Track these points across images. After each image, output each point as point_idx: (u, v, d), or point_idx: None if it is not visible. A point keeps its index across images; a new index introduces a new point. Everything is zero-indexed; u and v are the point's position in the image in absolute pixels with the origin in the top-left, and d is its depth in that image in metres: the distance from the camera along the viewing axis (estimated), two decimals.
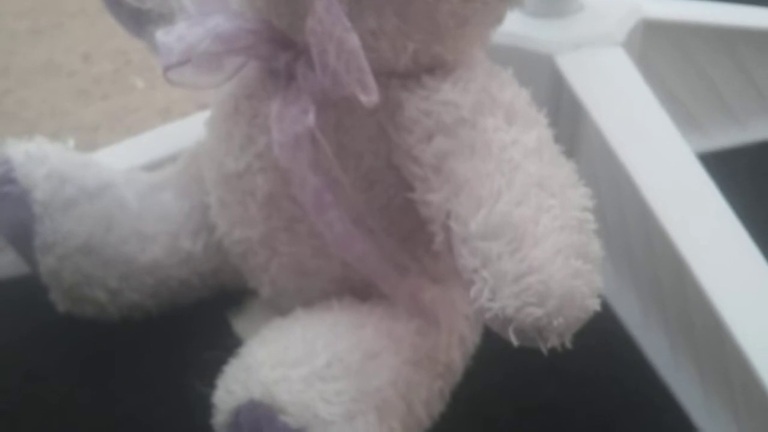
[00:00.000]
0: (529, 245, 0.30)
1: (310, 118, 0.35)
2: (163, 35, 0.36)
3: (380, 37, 0.35)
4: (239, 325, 0.46)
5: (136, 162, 0.50)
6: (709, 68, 0.57)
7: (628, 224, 0.47)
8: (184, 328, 0.47)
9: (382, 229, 0.37)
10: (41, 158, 0.44)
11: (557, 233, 0.31)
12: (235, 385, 0.36)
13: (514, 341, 0.30)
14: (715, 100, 0.59)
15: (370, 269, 0.38)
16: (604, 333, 0.45)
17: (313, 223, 0.37)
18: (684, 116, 0.58)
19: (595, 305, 0.31)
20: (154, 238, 0.45)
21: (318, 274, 0.41)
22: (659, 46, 0.55)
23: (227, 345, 0.40)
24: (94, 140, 0.65)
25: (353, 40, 0.33)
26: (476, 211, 0.32)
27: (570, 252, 0.30)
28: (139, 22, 0.45)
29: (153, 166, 0.49)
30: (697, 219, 0.43)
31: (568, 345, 0.30)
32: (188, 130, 0.50)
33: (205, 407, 0.37)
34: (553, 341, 0.30)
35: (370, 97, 0.33)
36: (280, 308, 0.43)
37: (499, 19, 0.38)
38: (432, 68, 0.37)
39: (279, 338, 0.38)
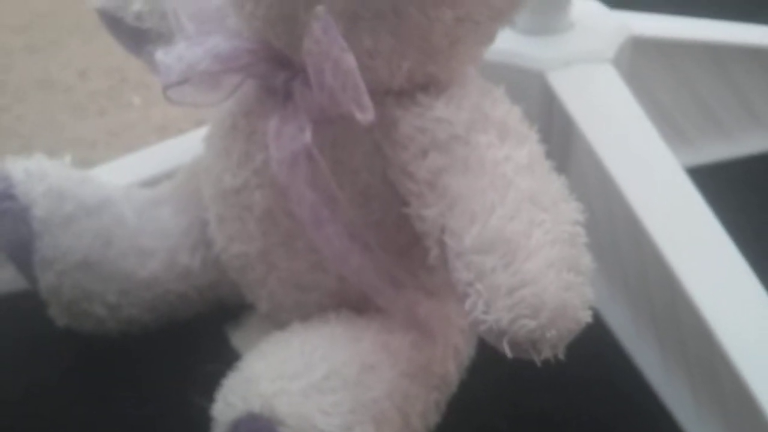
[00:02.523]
0: (522, 259, 0.31)
1: (307, 136, 0.36)
2: (162, 55, 0.37)
3: (376, 56, 0.36)
4: (237, 339, 0.47)
5: (134, 178, 0.50)
6: (698, 83, 0.58)
7: (618, 237, 0.48)
8: (183, 342, 0.47)
9: (378, 243, 0.38)
10: (40, 175, 0.44)
11: (549, 247, 0.32)
12: (234, 397, 0.36)
13: (508, 353, 0.31)
14: (704, 114, 0.60)
15: (367, 284, 0.38)
16: (597, 342, 0.45)
17: (310, 238, 0.38)
18: (673, 130, 0.59)
19: (586, 317, 0.32)
20: (153, 253, 0.46)
21: (315, 289, 0.41)
22: (648, 62, 0.56)
23: (226, 359, 0.40)
24: (91, 156, 0.65)
25: (349, 60, 0.33)
26: (470, 226, 0.33)
27: (562, 265, 0.31)
28: (138, 41, 0.46)
29: (151, 183, 0.50)
30: (686, 231, 0.44)
31: (561, 357, 0.31)
32: (185, 147, 0.51)
33: (205, 421, 0.38)
34: (547, 353, 0.31)
35: (365, 115, 0.34)
36: (278, 322, 0.43)
37: (491, 38, 0.39)
38: (426, 86, 0.37)
39: (277, 351, 0.38)
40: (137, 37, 0.46)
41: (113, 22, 0.46)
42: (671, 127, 0.58)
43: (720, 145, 0.61)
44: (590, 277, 0.32)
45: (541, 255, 0.31)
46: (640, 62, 0.55)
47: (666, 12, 0.60)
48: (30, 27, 0.83)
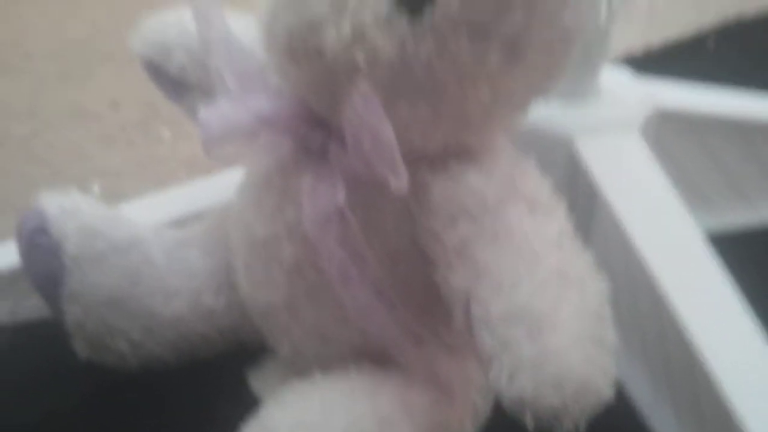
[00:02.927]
0: (547, 333, 0.32)
1: (340, 196, 0.37)
2: (206, 112, 0.38)
3: (412, 126, 0.36)
4: (257, 382, 0.47)
5: (163, 217, 0.51)
6: (724, 155, 0.59)
7: (640, 306, 0.48)
8: (203, 382, 0.48)
9: (403, 302, 0.39)
10: (74, 212, 0.45)
11: (575, 322, 0.32)
12: None
13: (530, 425, 0.32)
14: (729, 184, 0.61)
15: (389, 340, 0.39)
16: (617, 416, 0.46)
17: (336, 293, 0.38)
18: (699, 198, 0.59)
19: (609, 393, 0.32)
20: (178, 293, 0.46)
21: (337, 341, 0.42)
22: (675, 132, 0.57)
23: (244, 401, 0.41)
24: (118, 187, 0.66)
25: (388, 132, 0.34)
26: (497, 297, 0.33)
27: (587, 341, 0.32)
28: (179, 90, 0.47)
29: (179, 222, 0.51)
30: (705, 303, 0.44)
31: (582, 431, 0.32)
32: (214, 189, 0.52)
33: None
34: (568, 426, 0.32)
35: (400, 184, 0.34)
36: (298, 368, 0.44)
37: (524, 110, 0.40)
38: (458, 153, 0.38)
39: (297, 401, 0.39)
40: (178, 86, 0.47)
41: (155, 71, 0.48)
42: (696, 194, 0.59)
43: (745, 214, 0.62)
44: (613, 354, 0.33)
45: (566, 330, 0.32)
46: (667, 132, 0.56)
47: (689, 77, 0.61)
48: (64, 54, 0.84)
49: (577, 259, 0.35)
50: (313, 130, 0.39)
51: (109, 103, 0.77)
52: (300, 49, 0.36)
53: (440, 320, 0.40)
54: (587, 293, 0.34)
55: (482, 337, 0.34)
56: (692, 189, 0.59)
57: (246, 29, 0.45)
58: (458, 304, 0.36)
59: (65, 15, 0.92)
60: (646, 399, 0.48)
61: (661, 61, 0.84)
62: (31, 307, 0.50)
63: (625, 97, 0.53)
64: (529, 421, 0.32)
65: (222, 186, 0.49)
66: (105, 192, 0.65)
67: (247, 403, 0.40)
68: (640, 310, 0.47)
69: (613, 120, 0.51)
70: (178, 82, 0.47)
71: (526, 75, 0.37)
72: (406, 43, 0.34)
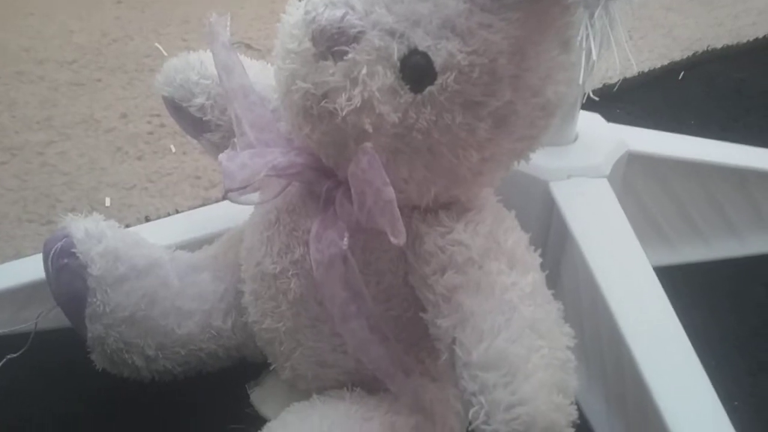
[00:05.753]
0: (520, 380, 0.37)
1: (345, 243, 0.41)
2: (227, 161, 0.41)
3: (410, 182, 0.41)
4: (257, 396, 0.52)
5: (176, 239, 0.55)
6: (682, 193, 0.65)
7: (600, 335, 0.53)
8: (206, 395, 0.52)
9: (395, 336, 0.43)
10: (98, 236, 0.49)
11: (543, 371, 0.37)
12: None
13: None
14: (686, 221, 0.66)
15: (382, 371, 0.44)
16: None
17: (336, 328, 0.43)
18: (657, 233, 0.65)
19: None
20: (191, 314, 0.51)
21: (334, 366, 0.47)
22: (640, 173, 0.62)
23: (245, 414, 0.45)
24: (128, 199, 0.69)
25: (389, 193, 0.38)
26: (478, 344, 0.38)
27: (553, 388, 0.37)
28: (197, 128, 0.51)
29: (190, 245, 0.55)
30: (652, 335, 0.49)
31: None
32: (223, 215, 0.57)
33: None
34: None
35: (398, 240, 0.39)
36: (296, 387, 0.49)
37: (508, 170, 0.44)
38: (448, 205, 0.43)
39: (297, 422, 0.44)
40: (197, 125, 0.51)
41: (177, 110, 0.51)
42: (655, 229, 0.65)
43: (698, 248, 0.67)
44: (574, 398, 0.38)
45: (536, 377, 0.37)
46: (633, 172, 0.61)
47: (657, 120, 0.66)
48: (76, 62, 0.86)
49: (548, 312, 0.40)
50: (321, 179, 0.43)
51: (119, 114, 0.79)
52: (314, 110, 0.39)
53: (425, 351, 0.46)
54: (555, 344, 0.39)
55: (463, 378, 0.38)
56: (652, 225, 0.65)
57: (261, 74, 0.49)
58: (444, 344, 0.41)
59: (75, 23, 0.94)
60: (601, 419, 0.54)
61: (635, 89, 0.89)
62: (51, 317, 0.54)
63: (598, 144, 0.58)
64: None
65: (231, 212, 0.53)
66: (116, 204, 0.68)
67: (248, 417, 0.44)
68: (601, 336, 0.53)
69: (585, 167, 0.56)
70: (197, 121, 0.51)
71: (510, 143, 0.41)
72: (408, 111, 0.38)
